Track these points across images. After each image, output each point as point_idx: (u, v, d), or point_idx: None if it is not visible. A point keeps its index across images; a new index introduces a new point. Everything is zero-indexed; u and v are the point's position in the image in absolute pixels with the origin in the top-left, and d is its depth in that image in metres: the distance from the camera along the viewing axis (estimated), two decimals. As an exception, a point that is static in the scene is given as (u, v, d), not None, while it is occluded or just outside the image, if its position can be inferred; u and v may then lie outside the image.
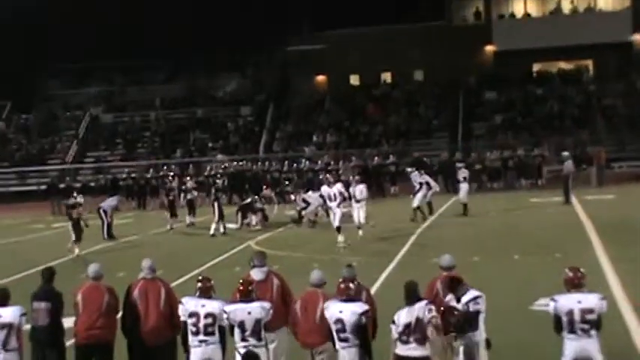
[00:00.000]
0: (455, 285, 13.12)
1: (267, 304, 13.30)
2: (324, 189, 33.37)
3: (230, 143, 68.31)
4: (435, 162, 54.59)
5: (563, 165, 43.83)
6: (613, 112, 65.56)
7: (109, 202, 39.06)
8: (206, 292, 13.56)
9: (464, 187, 40.11)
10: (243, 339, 12.94)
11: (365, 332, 12.81)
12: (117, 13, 74.38)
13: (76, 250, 32.73)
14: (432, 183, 39.94)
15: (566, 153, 45.15)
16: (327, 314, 12.83)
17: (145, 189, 56.39)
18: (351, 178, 37.89)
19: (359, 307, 12.82)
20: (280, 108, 72.60)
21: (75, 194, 37.56)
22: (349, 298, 12.93)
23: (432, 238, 32.57)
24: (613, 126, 63.47)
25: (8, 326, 13.64)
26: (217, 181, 46.66)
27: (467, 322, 12.80)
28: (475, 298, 12.91)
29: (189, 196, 42.07)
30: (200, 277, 14.11)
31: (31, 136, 73.44)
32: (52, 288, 15.07)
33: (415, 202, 38.26)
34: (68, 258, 31.75)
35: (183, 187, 43.56)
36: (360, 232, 32.61)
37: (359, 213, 33.15)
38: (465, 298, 12.87)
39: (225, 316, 13.07)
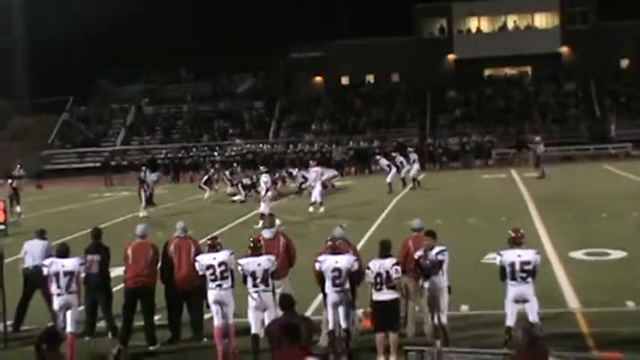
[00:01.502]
0: (432, 234, 13.38)
1: (272, 257, 13.52)
2: (263, 179, 30.23)
3: (246, 130, 68.32)
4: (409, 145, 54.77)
5: (537, 147, 44.00)
6: (546, 107, 65.73)
7: (151, 177, 38.97)
8: (214, 247, 13.82)
9: (414, 166, 39.96)
10: (255, 285, 13.13)
11: (356, 277, 13.03)
12: (157, 26, 74.32)
13: (143, 213, 32.83)
14: (405, 162, 39.99)
15: (537, 138, 45.38)
16: (324, 266, 12.95)
17: (179, 166, 56.54)
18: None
19: (351, 257, 13.09)
20: (286, 102, 72.52)
21: (144, 169, 37.51)
22: (339, 252, 13.11)
23: (405, 205, 32.61)
24: (546, 118, 63.73)
25: (70, 273, 13.83)
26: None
27: (434, 267, 13.00)
28: (442, 251, 13.13)
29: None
30: (208, 237, 14.37)
31: (89, 124, 73.38)
32: (100, 243, 15.32)
33: (388, 179, 38.33)
34: (124, 218, 31.91)
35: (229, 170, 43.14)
36: (311, 209, 31.77)
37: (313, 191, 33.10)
38: (434, 250, 13.06)
39: (239, 267, 13.28)
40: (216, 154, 56.62)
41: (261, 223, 28.01)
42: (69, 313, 13.70)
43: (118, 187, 51.12)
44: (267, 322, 12.85)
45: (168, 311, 14.79)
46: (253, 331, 13.07)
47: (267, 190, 29.18)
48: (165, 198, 40.63)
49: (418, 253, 13.20)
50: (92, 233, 15.53)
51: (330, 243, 13.29)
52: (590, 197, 32.27)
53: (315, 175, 33.35)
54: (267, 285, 13.19)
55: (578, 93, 67.21)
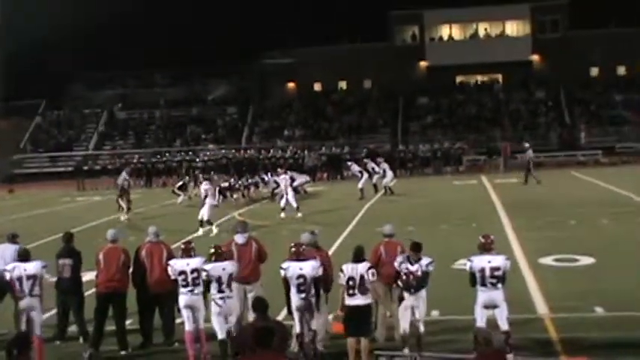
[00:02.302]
0: (419, 248, 13.05)
1: (235, 262, 13.60)
2: (203, 186, 30.44)
3: (219, 135, 68.22)
4: (380, 152, 55.02)
5: (525, 153, 44.04)
6: (517, 115, 66.16)
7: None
8: (188, 252, 13.85)
9: (388, 174, 39.76)
10: (220, 291, 13.15)
11: (320, 283, 13.03)
12: (132, 33, 74.27)
13: (124, 217, 33.03)
14: (376, 169, 40.03)
15: (527, 144, 45.44)
16: (288, 273, 12.96)
17: (151, 171, 56.23)
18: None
19: (315, 263, 13.03)
20: (259, 108, 72.49)
21: (126, 176, 37.32)
22: (304, 258, 13.10)
23: (377, 211, 32.64)
24: (516, 126, 64.13)
25: (33, 277, 13.77)
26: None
27: (424, 281, 12.86)
28: (431, 262, 12.95)
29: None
30: (182, 242, 14.36)
31: (61, 128, 73.03)
32: (72, 247, 15.32)
33: (360, 185, 38.38)
34: (96, 223, 31.74)
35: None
36: (282, 214, 31.63)
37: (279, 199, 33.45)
38: (424, 262, 12.86)
39: (204, 273, 13.30)
40: (197, 159, 56.28)
41: (201, 230, 28.07)
42: (34, 316, 13.62)
43: (90, 192, 50.96)
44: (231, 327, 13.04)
45: (140, 316, 14.76)
46: (219, 337, 13.10)
47: (205, 197, 29.09)
48: (138, 203, 40.33)
49: (405, 267, 12.86)
50: (64, 237, 15.49)
51: (294, 249, 13.25)
52: (559, 204, 32.51)
53: (285, 182, 33.36)
54: (231, 290, 13.29)
55: (548, 101, 67.70)
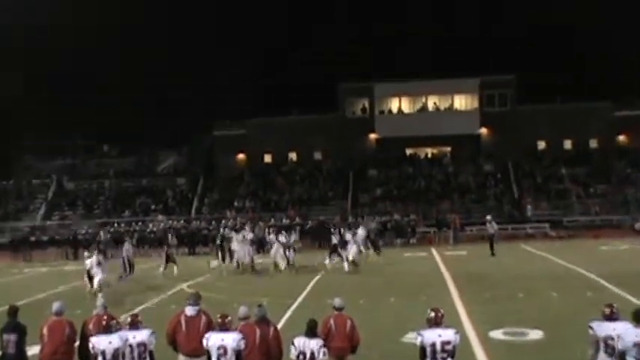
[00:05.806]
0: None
1: (124, 335, 13.36)
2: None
3: (169, 206, 67.92)
4: (330, 224, 55.19)
5: (487, 226, 44.20)
6: (465, 187, 66.75)
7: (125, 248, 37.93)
8: (135, 325, 13.65)
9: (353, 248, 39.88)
10: None
11: (241, 357, 12.89)
12: (80, 101, 74.31)
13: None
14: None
15: (489, 217, 45.61)
16: (209, 343, 12.91)
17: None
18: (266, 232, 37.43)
19: (237, 335, 12.95)
20: (209, 179, 72.43)
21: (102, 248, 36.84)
22: (227, 329, 13.04)
23: (327, 283, 32.51)
24: (465, 198, 64.68)
25: None
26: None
27: None
28: None
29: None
30: (130, 314, 14.24)
31: (9, 198, 72.34)
32: (17, 322, 14.90)
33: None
34: (43, 295, 31.23)
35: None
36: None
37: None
38: None
39: (90, 345, 13.16)
40: (148, 230, 55.62)
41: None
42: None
43: (37, 263, 50.23)
44: None
45: (86, 390, 14.50)
46: None
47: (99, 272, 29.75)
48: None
49: None
50: (8, 311, 15.14)
51: (219, 320, 13.21)
52: (508, 277, 32.65)
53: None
54: None
55: (496, 174, 68.45)
